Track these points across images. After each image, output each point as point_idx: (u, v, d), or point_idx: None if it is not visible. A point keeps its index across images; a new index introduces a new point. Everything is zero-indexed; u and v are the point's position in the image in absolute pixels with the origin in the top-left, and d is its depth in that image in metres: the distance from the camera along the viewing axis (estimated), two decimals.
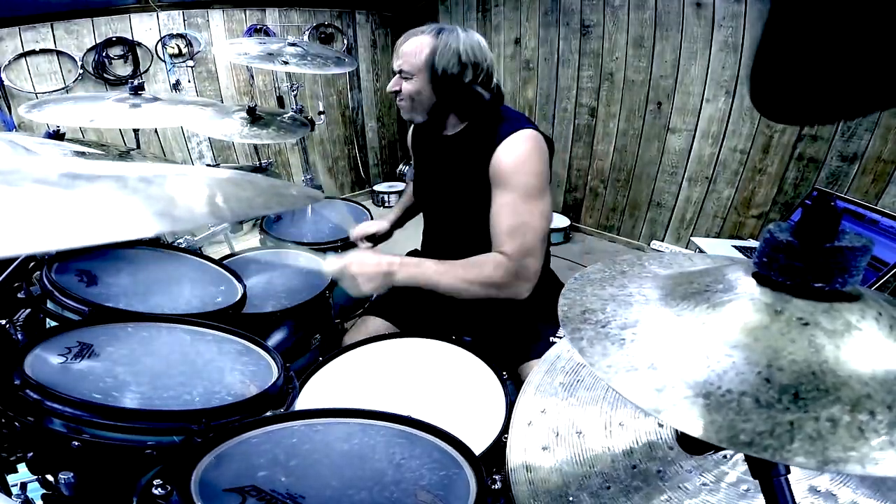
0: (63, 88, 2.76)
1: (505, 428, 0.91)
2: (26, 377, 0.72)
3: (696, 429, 0.32)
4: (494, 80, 1.28)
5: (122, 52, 2.91)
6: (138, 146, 1.86)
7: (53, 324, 0.96)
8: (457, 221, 1.40)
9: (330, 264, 1.18)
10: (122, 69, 2.93)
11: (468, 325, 1.37)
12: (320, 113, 3.13)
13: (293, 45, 1.97)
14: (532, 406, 0.67)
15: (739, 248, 2.31)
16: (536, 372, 0.71)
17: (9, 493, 0.77)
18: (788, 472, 0.41)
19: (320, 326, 1.41)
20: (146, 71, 3.01)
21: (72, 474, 0.70)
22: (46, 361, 0.79)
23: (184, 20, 3.11)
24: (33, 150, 0.86)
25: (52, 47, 2.70)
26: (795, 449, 0.29)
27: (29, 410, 0.69)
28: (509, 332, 1.34)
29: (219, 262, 1.31)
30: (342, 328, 1.58)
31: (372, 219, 1.86)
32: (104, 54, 2.84)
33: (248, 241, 2.90)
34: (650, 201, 3.12)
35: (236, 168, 3.07)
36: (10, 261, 0.97)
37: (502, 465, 0.81)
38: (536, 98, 3.41)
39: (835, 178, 2.35)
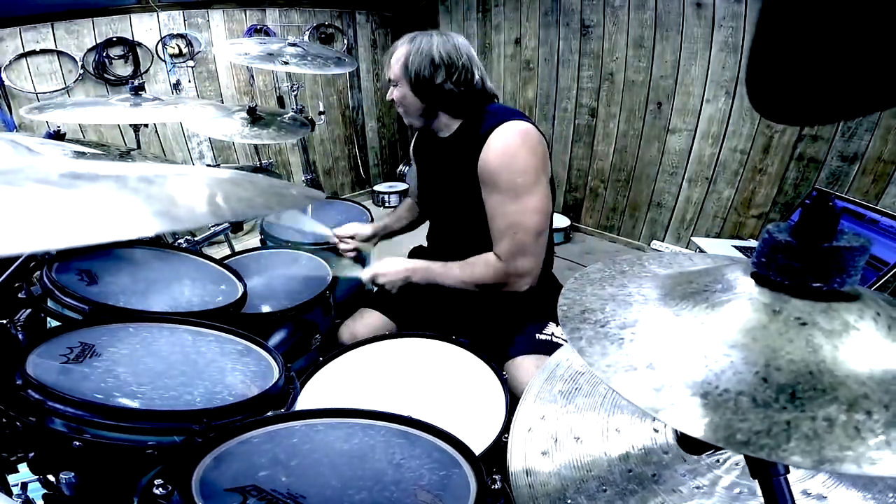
0: (63, 88, 2.76)
1: (505, 428, 0.91)
2: (28, 377, 0.72)
3: (693, 428, 0.32)
4: (477, 77, 1.27)
5: (122, 52, 2.91)
6: (139, 146, 1.86)
7: (55, 323, 0.96)
8: (458, 222, 1.41)
9: (366, 273, 1.40)
10: (123, 69, 2.93)
11: (458, 319, 1.40)
12: (320, 113, 3.13)
13: (293, 45, 1.97)
14: (532, 413, 0.69)
15: (740, 248, 2.32)
16: (536, 380, 0.73)
17: (10, 493, 0.77)
18: (787, 471, 0.41)
19: (320, 326, 1.41)
20: (146, 71, 3.02)
21: (73, 474, 0.70)
22: (48, 361, 0.80)
23: (184, 20, 3.11)
24: (34, 151, 0.86)
25: (53, 47, 2.71)
26: (792, 448, 0.29)
27: (30, 410, 0.69)
28: (496, 329, 1.35)
29: (219, 262, 1.31)
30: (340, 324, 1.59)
31: (372, 220, 1.86)
32: (104, 54, 2.85)
33: (248, 241, 2.90)
34: (650, 201, 3.12)
35: (237, 168, 3.08)
36: (10, 261, 0.97)
37: (502, 465, 0.81)
38: (536, 98, 3.41)
39: (835, 178, 2.35)
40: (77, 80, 2.79)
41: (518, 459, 0.63)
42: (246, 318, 1.19)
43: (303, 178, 2.53)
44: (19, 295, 1.03)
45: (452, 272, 1.31)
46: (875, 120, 2.19)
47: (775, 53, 0.36)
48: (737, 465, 0.57)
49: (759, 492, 0.53)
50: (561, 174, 3.49)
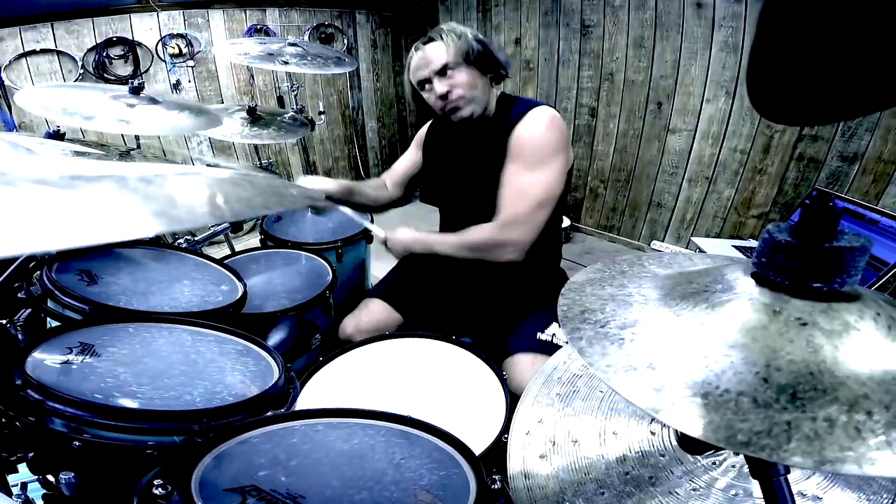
0: None
1: (505, 428, 0.91)
2: (27, 377, 0.72)
3: (693, 428, 0.32)
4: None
5: (122, 52, 2.91)
6: (138, 146, 1.86)
7: (54, 323, 0.96)
8: (485, 214, 1.38)
9: (378, 231, 1.40)
10: (123, 69, 2.93)
11: (463, 309, 1.40)
12: (320, 113, 3.13)
13: (293, 45, 1.97)
14: (530, 416, 0.69)
15: (740, 248, 2.31)
16: (534, 383, 0.73)
17: (9, 493, 0.77)
18: (788, 472, 0.41)
19: (320, 326, 1.41)
20: (146, 71, 3.02)
21: (72, 474, 0.70)
22: (48, 361, 0.80)
23: (184, 20, 3.11)
24: (34, 151, 0.86)
25: (53, 47, 2.71)
26: (792, 449, 0.29)
27: (30, 410, 0.69)
28: (499, 320, 1.36)
29: (219, 262, 1.31)
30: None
31: (372, 221, 1.86)
32: (104, 54, 2.85)
33: (248, 241, 2.90)
34: (650, 201, 3.12)
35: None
36: (10, 261, 0.97)
37: (502, 465, 0.81)
38: (536, 97, 3.41)
39: (835, 178, 2.35)
40: (77, 79, 2.79)
41: (516, 462, 0.64)
42: (246, 318, 1.19)
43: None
44: (19, 295, 1.03)
45: (448, 239, 1.32)
46: (875, 120, 2.18)
47: (776, 54, 0.36)
48: (733, 467, 0.57)
49: (755, 493, 0.54)
50: None
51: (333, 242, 1.70)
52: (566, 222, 3.41)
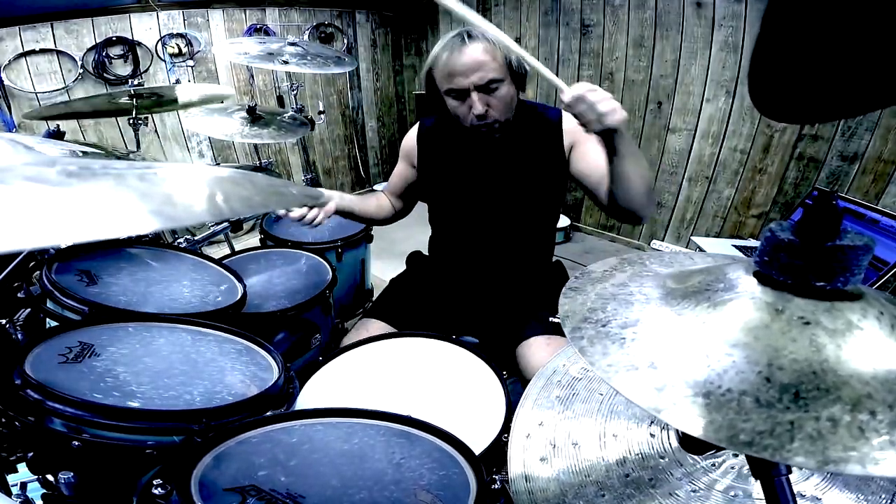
0: (63, 88, 2.76)
1: (505, 428, 0.90)
2: (27, 377, 0.72)
3: (696, 428, 0.32)
4: None
5: (122, 52, 2.91)
6: (139, 147, 1.86)
7: (54, 324, 0.96)
8: (502, 218, 1.34)
9: (572, 89, 0.98)
10: (123, 69, 2.93)
11: (468, 326, 1.36)
12: (320, 112, 3.12)
13: (293, 44, 1.97)
14: (530, 419, 0.69)
15: (740, 248, 2.31)
16: (534, 386, 0.73)
17: (9, 493, 0.77)
18: (789, 471, 0.41)
19: (320, 326, 1.41)
20: (146, 70, 3.01)
21: (72, 474, 0.70)
22: (47, 361, 0.79)
23: (184, 20, 3.10)
24: (33, 150, 0.86)
25: (52, 47, 2.70)
26: (795, 449, 0.29)
27: (29, 410, 0.69)
28: (506, 313, 1.35)
29: (219, 262, 1.31)
30: (342, 328, 1.58)
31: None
32: (104, 54, 2.84)
33: (248, 241, 2.90)
34: None
35: (237, 167, 3.07)
36: (9, 260, 0.97)
37: (502, 465, 0.81)
38: (536, 98, 3.41)
39: (835, 177, 2.35)
40: (77, 79, 2.78)
41: (517, 465, 0.64)
42: (245, 318, 1.19)
43: (303, 178, 2.52)
44: (18, 295, 1.02)
45: (644, 168, 1.10)
46: (875, 120, 2.18)
47: (778, 52, 0.36)
48: (733, 468, 0.57)
49: (755, 494, 0.53)
50: None
51: (333, 242, 1.70)
52: (566, 222, 3.41)
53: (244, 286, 1.21)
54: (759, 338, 0.36)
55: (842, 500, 0.52)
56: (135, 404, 0.76)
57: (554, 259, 1.52)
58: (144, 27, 2.96)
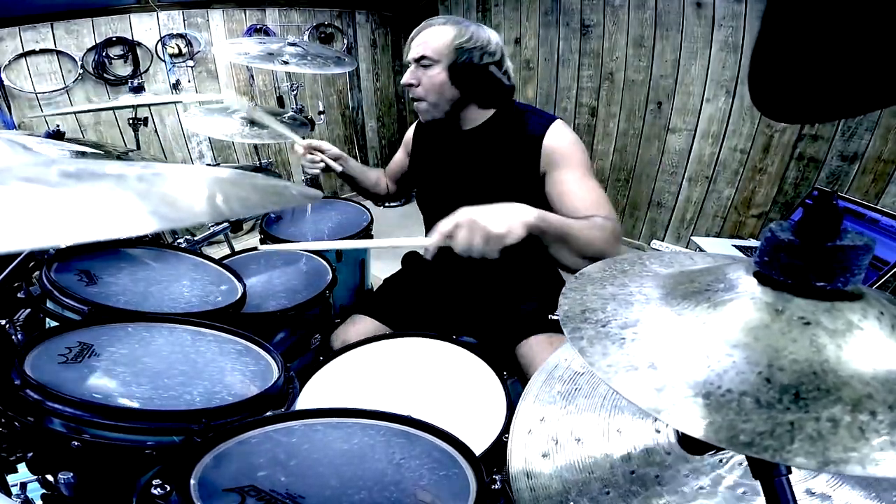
0: (63, 88, 2.76)
1: (505, 428, 0.90)
2: (26, 377, 0.72)
3: (695, 429, 0.32)
4: (511, 67, 1.30)
5: (122, 52, 2.91)
6: (138, 147, 1.86)
7: (53, 324, 0.96)
8: None
9: (432, 237, 0.92)
10: (122, 69, 2.93)
11: (462, 326, 1.37)
12: (320, 112, 3.13)
13: (293, 44, 1.97)
14: (531, 414, 0.68)
15: (740, 248, 2.31)
16: (535, 381, 0.72)
17: (9, 493, 0.77)
18: (790, 472, 0.41)
19: (320, 326, 1.40)
20: (146, 71, 3.01)
21: (72, 474, 0.70)
22: (47, 361, 0.79)
23: (184, 20, 3.11)
24: (33, 150, 0.86)
25: (52, 47, 2.70)
26: (796, 449, 0.29)
27: (29, 410, 0.69)
28: (506, 311, 1.34)
29: (219, 262, 1.31)
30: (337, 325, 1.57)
31: (372, 220, 1.86)
32: (104, 54, 2.84)
33: (248, 241, 2.90)
34: (650, 201, 3.12)
35: (236, 168, 3.07)
36: (9, 260, 0.97)
37: (502, 465, 0.81)
38: (536, 98, 3.41)
39: (835, 177, 2.35)
40: (76, 79, 2.79)
41: (518, 462, 0.63)
42: (245, 318, 1.19)
43: (302, 178, 2.52)
44: (18, 295, 1.02)
45: (590, 231, 1.02)
46: (875, 119, 2.18)
47: (778, 52, 0.36)
48: (740, 464, 0.56)
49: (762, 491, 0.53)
50: None
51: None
52: None
53: (244, 286, 1.21)
54: (759, 338, 0.36)
55: (852, 498, 0.51)
56: (134, 404, 0.76)
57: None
58: (144, 27, 2.97)
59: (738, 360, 0.35)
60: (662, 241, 3.12)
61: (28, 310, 1.03)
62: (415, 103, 1.30)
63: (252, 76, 3.40)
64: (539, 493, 0.59)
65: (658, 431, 0.61)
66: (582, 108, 3.25)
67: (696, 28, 2.63)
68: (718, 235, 2.83)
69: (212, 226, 1.66)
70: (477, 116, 1.30)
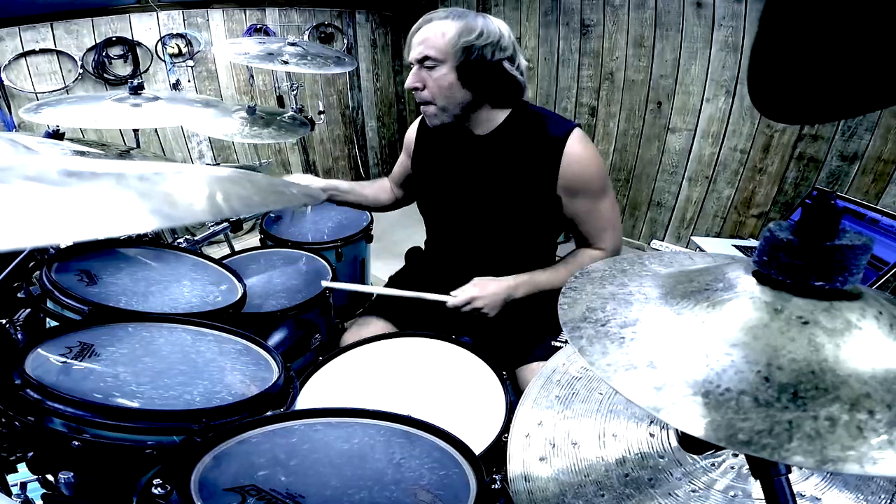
0: (63, 88, 2.76)
1: (505, 428, 0.90)
2: (27, 377, 0.72)
3: (694, 428, 0.32)
4: (524, 62, 1.21)
5: (122, 52, 2.91)
6: (138, 145, 1.86)
7: (54, 323, 0.96)
8: (487, 225, 1.30)
9: (454, 300, 1.21)
10: (122, 69, 2.93)
11: (469, 327, 1.36)
12: (320, 112, 3.13)
13: (293, 44, 1.97)
14: (529, 418, 0.69)
15: (740, 248, 2.31)
16: (533, 385, 0.73)
17: (9, 493, 0.77)
18: (789, 471, 0.41)
19: (320, 326, 1.41)
20: (146, 71, 3.01)
21: (72, 474, 0.70)
22: (47, 361, 0.79)
23: (184, 20, 3.11)
24: (33, 149, 0.86)
25: (52, 47, 2.70)
26: (794, 448, 0.29)
27: (29, 410, 0.69)
28: (510, 335, 1.32)
29: (219, 262, 1.31)
30: (342, 328, 1.57)
31: (372, 220, 1.86)
32: (104, 54, 2.84)
33: (248, 241, 2.90)
34: (650, 201, 3.12)
35: (236, 167, 3.07)
36: (9, 260, 0.97)
37: (502, 465, 0.81)
38: (536, 98, 3.41)
39: (835, 177, 2.35)
40: (76, 79, 2.78)
41: (516, 465, 0.64)
42: (246, 318, 1.19)
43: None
44: (19, 295, 1.02)
45: (560, 276, 1.21)
46: (875, 120, 2.18)
47: (777, 52, 0.36)
48: (732, 468, 0.57)
49: (754, 494, 0.53)
50: None
51: (333, 242, 1.70)
52: None
53: (244, 286, 1.21)
54: (758, 337, 0.36)
55: (841, 500, 0.52)
56: (135, 404, 0.76)
57: None
58: (144, 27, 2.97)
59: (736, 359, 0.35)
60: (662, 241, 3.12)
61: (28, 309, 1.03)
62: (422, 107, 1.21)
63: (252, 76, 3.40)
64: (536, 496, 0.60)
65: (652, 436, 0.62)
66: (582, 108, 3.25)
67: (696, 28, 2.63)
68: (718, 235, 2.83)
69: (212, 225, 1.66)
70: (491, 118, 1.22)
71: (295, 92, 2.40)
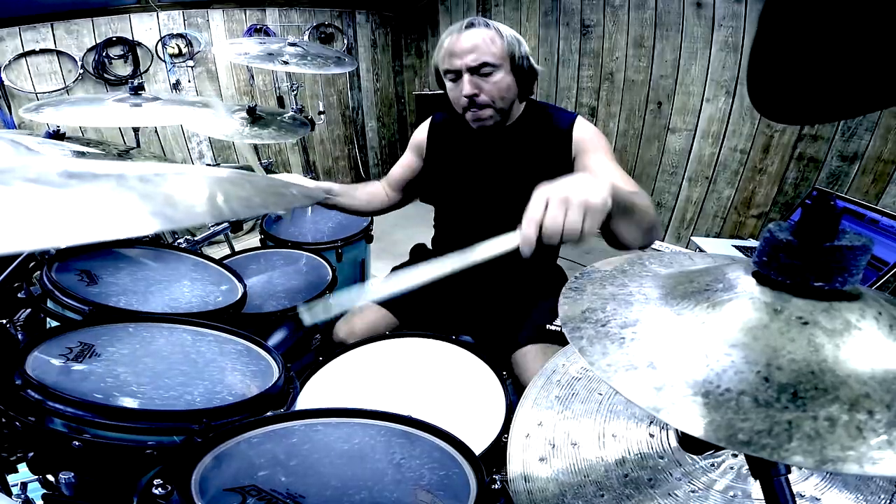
0: (63, 88, 2.76)
1: (505, 428, 0.90)
2: (27, 377, 0.72)
3: (694, 428, 0.32)
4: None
5: (122, 52, 2.91)
6: (138, 145, 1.86)
7: (54, 323, 0.96)
8: (507, 214, 1.31)
9: (527, 228, 0.78)
10: (122, 69, 2.93)
11: (466, 314, 1.37)
12: (320, 113, 3.13)
13: (293, 44, 1.97)
14: (529, 419, 0.69)
15: (740, 248, 2.31)
16: (533, 386, 0.73)
17: (9, 493, 0.77)
18: (789, 471, 0.41)
19: (320, 326, 1.41)
20: (146, 71, 3.02)
21: (72, 474, 0.70)
22: (48, 361, 0.79)
23: (184, 20, 3.11)
24: (33, 150, 0.86)
25: (53, 47, 2.71)
26: (793, 448, 0.29)
27: (30, 410, 0.69)
28: (502, 320, 1.34)
29: (219, 262, 1.31)
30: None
31: (372, 221, 1.86)
32: (104, 54, 2.85)
33: (248, 241, 2.90)
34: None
35: (237, 167, 3.07)
36: (10, 260, 0.97)
37: (502, 465, 0.81)
38: (536, 98, 3.41)
39: (835, 177, 2.35)
40: (77, 79, 2.79)
41: (516, 465, 0.64)
42: (246, 318, 1.19)
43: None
44: (19, 295, 1.03)
45: (644, 199, 0.95)
46: (875, 120, 2.18)
47: (776, 53, 0.36)
48: (731, 468, 0.57)
49: (753, 494, 0.54)
50: None
51: (333, 242, 1.70)
52: None
53: (244, 286, 1.21)
54: (757, 338, 0.36)
55: (841, 501, 0.52)
56: (135, 404, 0.76)
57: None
58: (144, 27, 2.97)
59: (736, 359, 0.35)
60: (662, 241, 3.12)
61: (29, 310, 1.03)
62: (473, 112, 1.24)
63: (252, 76, 3.40)
64: (536, 497, 0.60)
65: (652, 436, 0.62)
66: (582, 108, 3.25)
67: (696, 28, 2.64)
68: (718, 236, 2.83)
69: (212, 226, 1.66)
70: (514, 111, 1.32)
71: (295, 92, 2.40)
